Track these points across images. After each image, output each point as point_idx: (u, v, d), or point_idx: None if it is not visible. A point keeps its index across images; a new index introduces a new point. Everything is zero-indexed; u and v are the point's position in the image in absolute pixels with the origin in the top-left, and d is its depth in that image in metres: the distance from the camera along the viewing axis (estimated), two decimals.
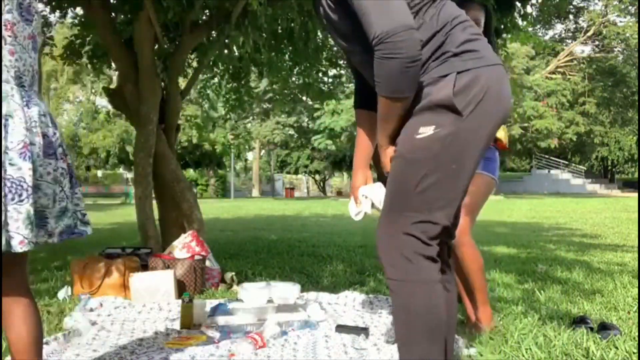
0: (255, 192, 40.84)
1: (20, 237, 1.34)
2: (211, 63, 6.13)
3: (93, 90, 32.49)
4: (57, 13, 5.55)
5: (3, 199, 1.32)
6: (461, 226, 2.36)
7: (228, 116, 8.38)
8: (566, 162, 36.17)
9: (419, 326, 1.36)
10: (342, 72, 8.04)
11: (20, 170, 1.35)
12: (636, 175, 39.28)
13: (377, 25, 1.30)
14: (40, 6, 6.04)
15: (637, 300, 3.11)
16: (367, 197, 1.59)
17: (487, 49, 1.44)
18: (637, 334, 2.41)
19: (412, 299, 1.36)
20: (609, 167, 39.49)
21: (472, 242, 2.49)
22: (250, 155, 42.36)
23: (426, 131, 1.36)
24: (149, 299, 3.18)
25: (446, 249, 1.54)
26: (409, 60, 1.29)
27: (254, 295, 2.82)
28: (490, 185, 2.56)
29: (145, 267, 3.59)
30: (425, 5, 1.41)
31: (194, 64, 6.21)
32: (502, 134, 2.56)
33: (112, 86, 5.01)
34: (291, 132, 36.19)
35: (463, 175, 1.40)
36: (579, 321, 2.61)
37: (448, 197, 1.39)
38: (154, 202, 4.51)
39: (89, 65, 5.99)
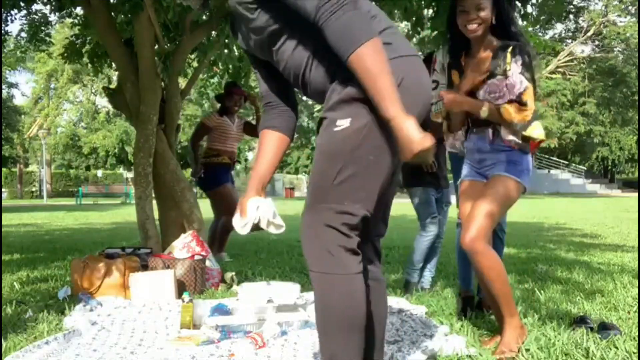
0: None
1: None
2: (211, 63, 6.13)
3: (93, 90, 32.50)
4: (58, 13, 5.55)
5: None
6: (477, 231, 2.20)
7: None
8: (566, 162, 36.17)
9: (337, 318, 1.38)
10: None
11: None
12: (636, 175, 39.28)
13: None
14: (40, 6, 6.05)
15: (637, 300, 3.11)
16: (258, 208, 1.55)
17: (400, 41, 1.44)
18: (637, 334, 2.41)
19: (331, 291, 1.38)
20: (609, 167, 39.49)
21: (487, 249, 2.23)
22: (250, 155, 42.38)
23: (343, 124, 1.36)
24: (149, 299, 3.18)
25: (374, 244, 1.57)
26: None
27: (254, 295, 2.82)
28: (515, 190, 2.28)
29: (145, 267, 3.59)
30: None
31: (194, 64, 6.21)
32: (537, 132, 2.29)
33: (112, 86, 5.01)
34: None
35: (382, 165, 1.39)
36: (579, 321, 2.61)
37: (367, 188, 1.39)
38: (154, 202, 4.51)
39: (89, 65, 5.99)
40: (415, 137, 1.27)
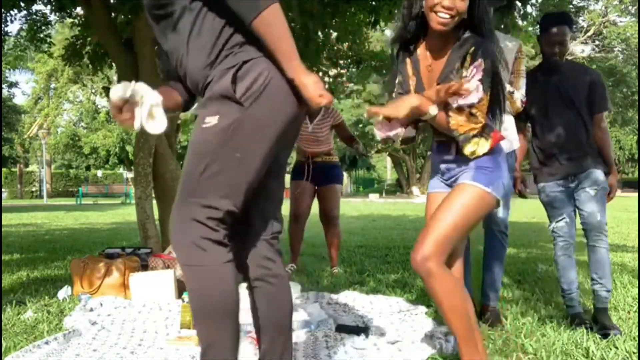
0: None
1: None
2: None
3: (93, 90, 32.48)
4: (58, 13, 5.54)
5: None
6: (431, 248, 1.76)
7: None
8: None
9: (210, 307, 1.44)
10: (343, 71, 8.05)
11: None
12: (636, 175, 39.28)
13: None
14: (40, 6, 6.05)
15: (637, 300, 3.11)
16: (145, 91, 1.48)
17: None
18: (637, 334, 2.41)
19: (203, 283, 1.43)
20: None
21: (443, 271, 1.76)
22: None
23: (211, 121, 1.40)
24: (149, 299, 3.18)
25: (270, 242, 1.61)
26: None
27: None
28: (482, 200, 1.81)
29: (145, 267, 3.59)
30: None
31: None
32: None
33: (112, 86, 5.01)
34: None
35: (250, 162, 1.43)
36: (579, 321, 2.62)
37: (233, 184, 1.43)
38: (154, 202, 4.51)
39: (90, 66, 5.99)
40: (312, 91, 1.38)
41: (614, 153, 35.75)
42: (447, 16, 1.72)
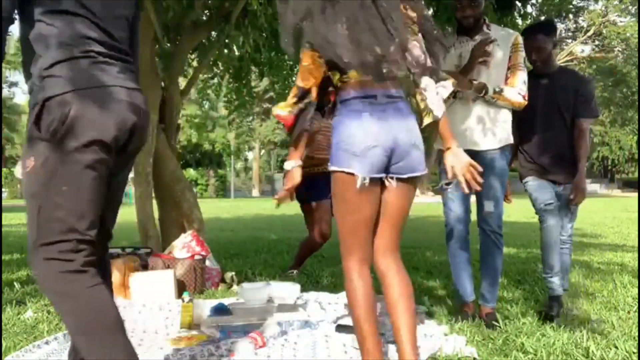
0: (255, 192, 40.84)
1: None
2: (211, 63, 6.13)
3: None
4: None
5: None
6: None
7: (232, 116, 8.34)
8: None
9: (93, 331, 1.44)
10: None
11: None
12: (636, 175, 39.29)
13: None
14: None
15: (637, 300, 3.11)
16: None
17: (87, 71, 1.45)
18: (637, 334, 2.41)
19: (73, 309, 1.45)
20: (609, 167, 39.48)
21: (350, 273, 1.83)
22: (250, 155, 42.40)
23: (30, 164, 1.45)
24: (149, 299, 3.18)
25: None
26: None
27: (254, 295, 2.82)
28: (334, 184, 1.82)
29: (145, 267, 3.59)
30: (56, 13, 1.45)
31: (194, 64, 6.22)
32: None
33: None
34: None
35: (81, 192, 1.45)
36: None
37: (72, 215, 1.44)
38: (154, 202, 4.51)
39: None
40: None
41: (615, 153, 35.75)
42: None
